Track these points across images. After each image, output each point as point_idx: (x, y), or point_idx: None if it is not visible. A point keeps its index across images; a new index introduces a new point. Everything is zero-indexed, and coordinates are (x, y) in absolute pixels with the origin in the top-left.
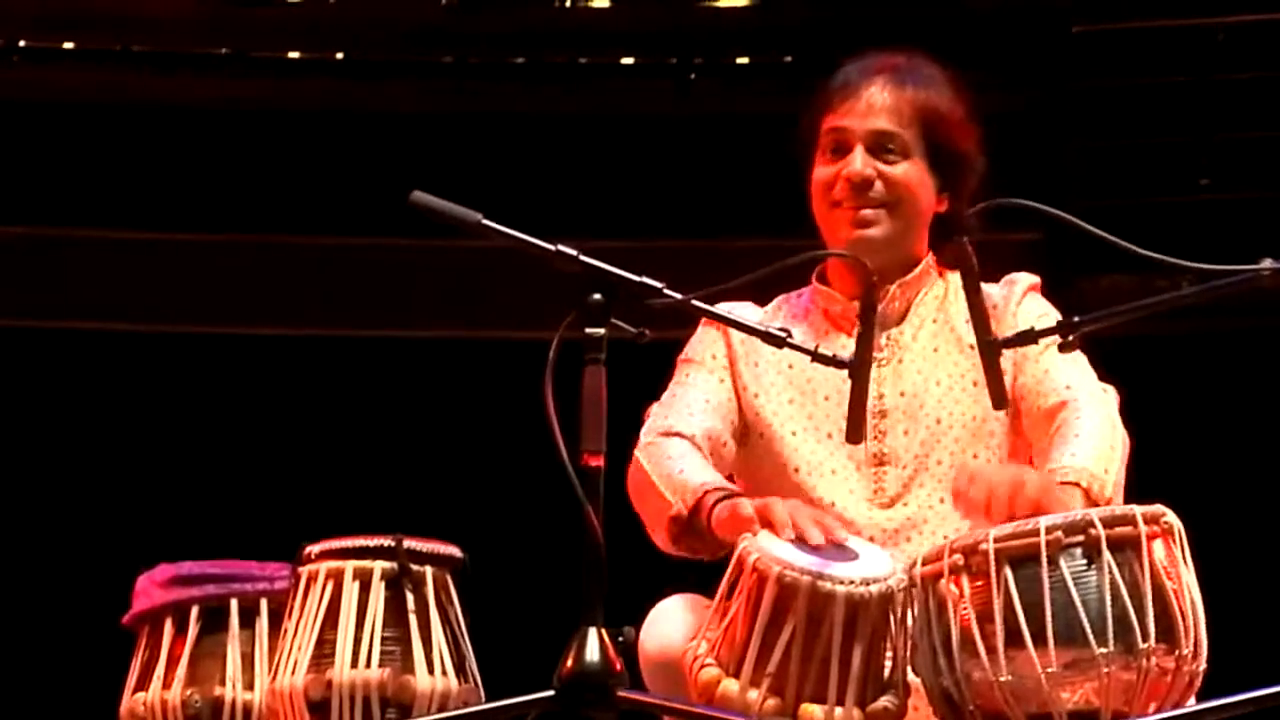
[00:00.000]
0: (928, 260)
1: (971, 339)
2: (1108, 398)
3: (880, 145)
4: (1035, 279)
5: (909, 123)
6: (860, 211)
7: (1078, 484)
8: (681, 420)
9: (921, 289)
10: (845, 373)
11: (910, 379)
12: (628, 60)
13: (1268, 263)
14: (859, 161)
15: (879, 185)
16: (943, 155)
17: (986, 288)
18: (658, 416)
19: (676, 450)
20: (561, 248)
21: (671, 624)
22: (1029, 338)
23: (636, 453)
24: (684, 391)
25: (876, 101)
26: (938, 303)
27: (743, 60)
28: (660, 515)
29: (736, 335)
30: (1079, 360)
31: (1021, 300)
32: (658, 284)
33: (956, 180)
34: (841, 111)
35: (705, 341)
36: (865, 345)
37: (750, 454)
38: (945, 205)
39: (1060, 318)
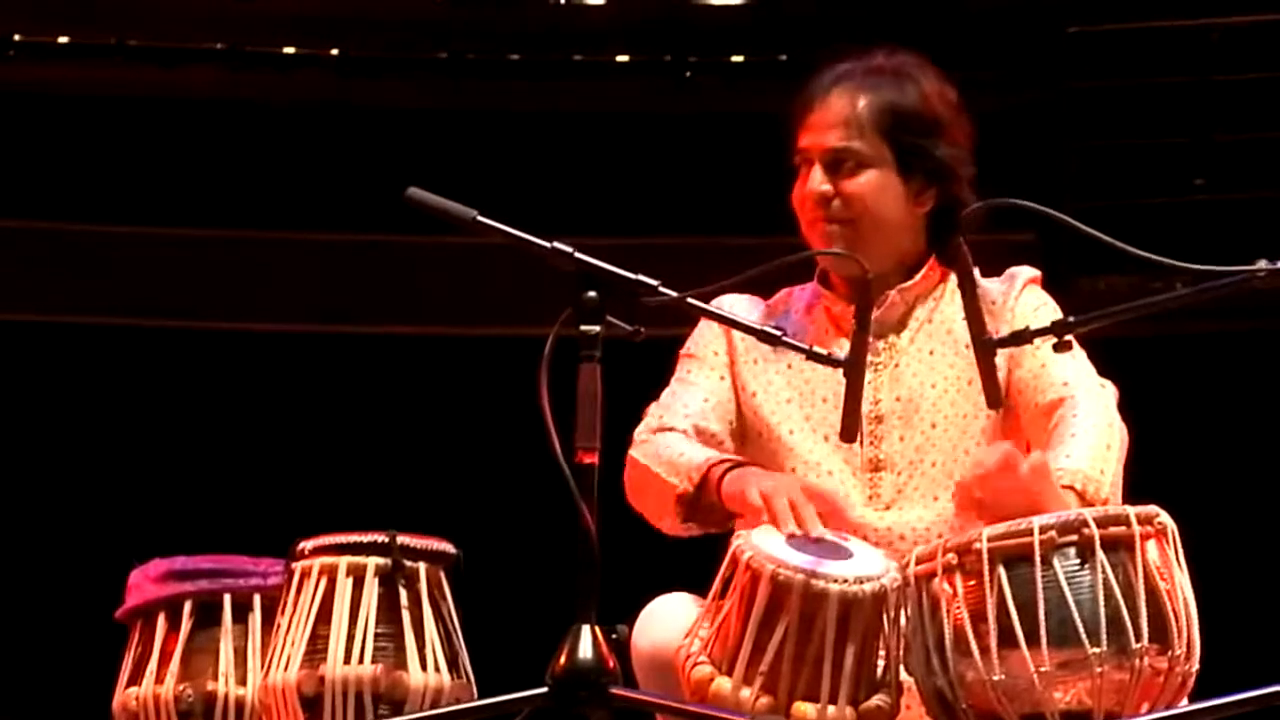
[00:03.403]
0: (929, 264)
1: (968, 338)
2: (1105, 393)
3: (837, 160)
4: (1035, 272)
5: (869, 131)
6: (827, 226)
7: (1072, 486)
8: (675, 418)
9: (922, 293)
10: (842, 373)
11: (906, 383)
12: (624, 57)
13: (1263, 263)
14: (815, 180)
15: (837, 202)
16: (915, 156)
17: (986, 283)
18: (652, 415)
19: (672, 439)
20: (557, 245)
21: (664, 623)
22: (1023, 338)
23: (631, 451)
24: (683, 389)
25: (832, 116)
26: (935, 304)
27: (739, 58)
28: (666, 498)
29: (737, 332)
30: (1077, 354)
31: (1020, 294)
32: (653, 281)
33: (939, 176)
34: (804, 128)
35: (707, 337)
36: (860, 343)
37: (749, 452)
38: (930, 203)
39: (1058, 309)
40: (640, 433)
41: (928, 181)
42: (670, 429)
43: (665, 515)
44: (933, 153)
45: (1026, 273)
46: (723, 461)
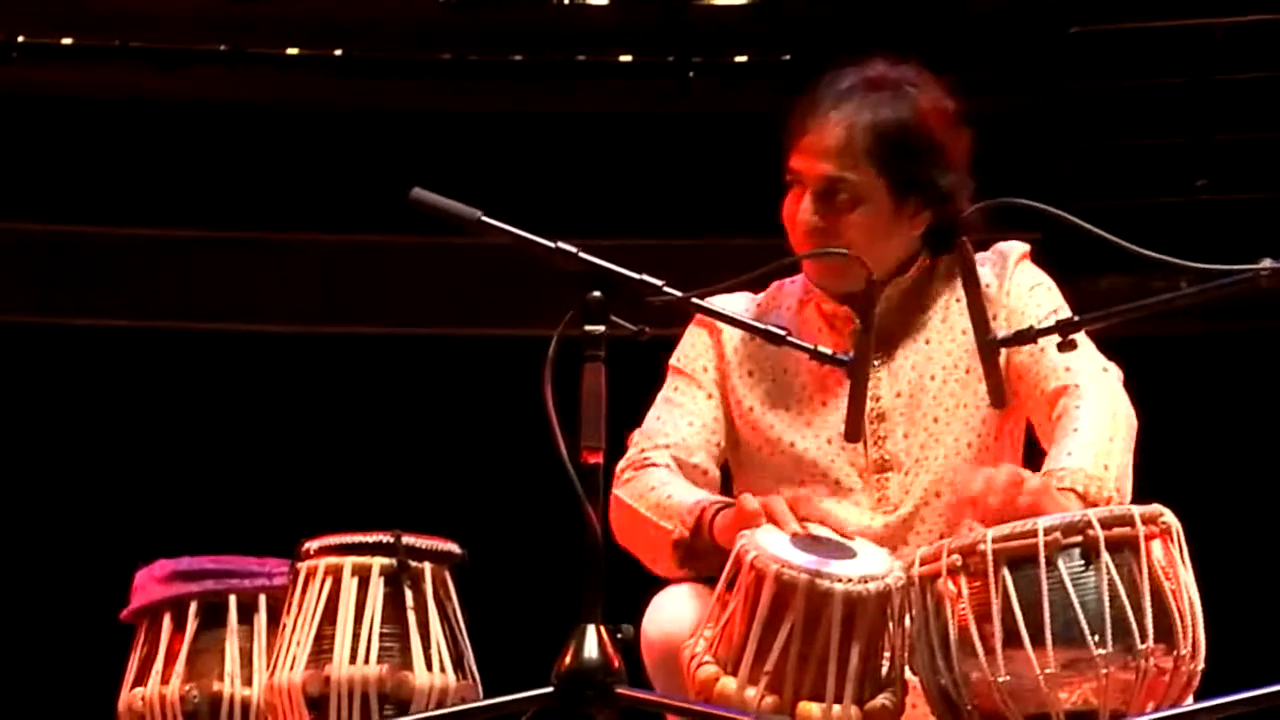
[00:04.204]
0: (920, 260)
1: (964, 323)
2: (1109, 377)
3: (830, 190)
4: (1025, 247)
5: (863, 162)
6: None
7: (1073, 488)
8: (658, 451)
9: (913, 287)
10: (842, 372)
11: (905, 377)
12: (626, 58)
13: (1266, 263)
14: (805, 209)
15: (828, 234)
16: (912, 178)
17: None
18: (635, 446)
19: (657, 479)
20: (561, 245)
21: (674, 610)
22: (1027, 337)
23: (615, 490)
24: (668, 412)
25: (827, 142)
26: (927, 293)
27: (741, 59)
28: (661, 543)
29: (730, 342)
30: (1079, 337)
31: (1013, 274)
32: (657, 281)
33: (937, 196)
34: (798, 149)
35: (696, 350)
36: (863, 343)
37: (751, 466)
38: (925, 224)
39: (1053, 285)
40: (622, 468)
41: (924, 204)
42: (653, 465)
43: (660, 560)
44: (930, 178)
45: (1017, 249)
46: (714, 503)
